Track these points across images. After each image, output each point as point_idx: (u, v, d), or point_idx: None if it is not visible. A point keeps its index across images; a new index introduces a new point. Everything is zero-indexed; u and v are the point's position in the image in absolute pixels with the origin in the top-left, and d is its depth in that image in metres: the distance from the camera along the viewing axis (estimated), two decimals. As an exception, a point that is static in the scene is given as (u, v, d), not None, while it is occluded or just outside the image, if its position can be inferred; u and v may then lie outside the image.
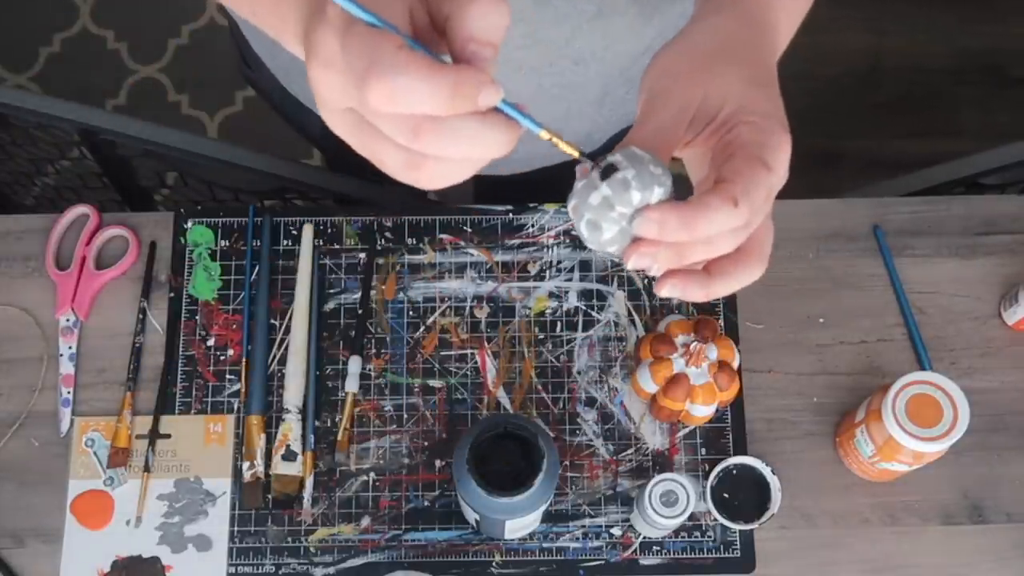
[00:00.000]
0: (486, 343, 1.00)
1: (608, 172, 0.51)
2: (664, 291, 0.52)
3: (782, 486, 0.92)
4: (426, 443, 0.97)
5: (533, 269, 1.02)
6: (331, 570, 0.94)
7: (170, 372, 0.99)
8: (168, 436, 0.97)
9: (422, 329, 1.00)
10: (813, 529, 0.95)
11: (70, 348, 0.99)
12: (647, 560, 0.94)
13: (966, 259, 1.02)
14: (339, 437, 0.96)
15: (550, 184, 1.13)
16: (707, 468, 0.96)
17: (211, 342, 1.00)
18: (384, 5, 0.45)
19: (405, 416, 0.98)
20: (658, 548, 0.94)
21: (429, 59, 0.44)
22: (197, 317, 1.00)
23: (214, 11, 2.08)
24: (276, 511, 0.95)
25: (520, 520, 0.83)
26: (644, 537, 0.95)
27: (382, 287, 1.02)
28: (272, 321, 1.00)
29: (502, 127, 0.46)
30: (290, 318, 1.00)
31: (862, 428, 0.90)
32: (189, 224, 1.03)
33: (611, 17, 0.79)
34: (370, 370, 0.99)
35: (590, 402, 0.98)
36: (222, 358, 0.99)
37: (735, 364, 0.92)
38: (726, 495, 0.93)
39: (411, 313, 1.01)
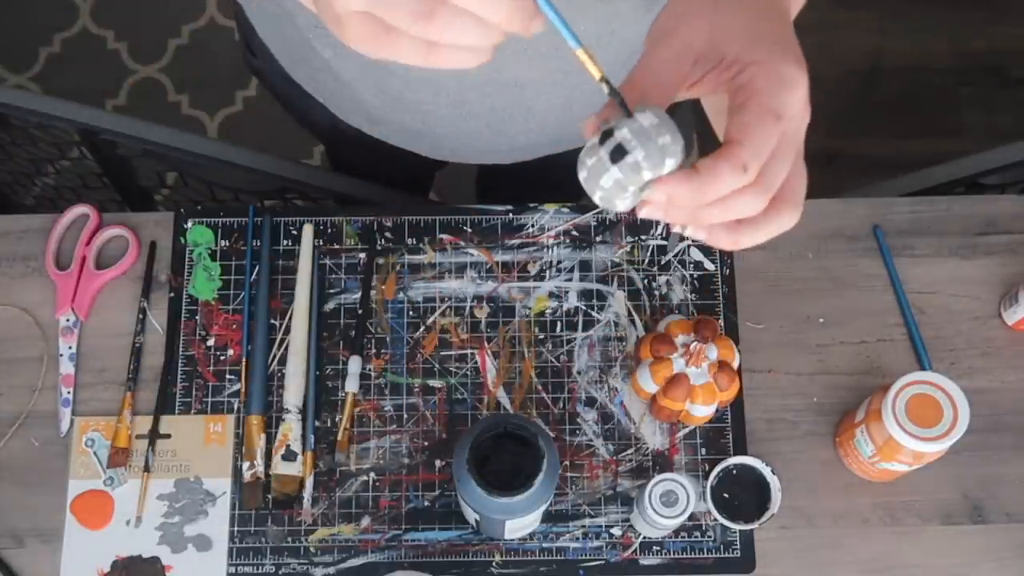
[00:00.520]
0: (486, 343, 1.00)
1: (618, 155, 0.50)
2: (688, 231, 0.52)
3: (782, 486, 0.92)
4: (426, 443, 0.97)
5: (533, 269, 1.02)
6: (331, 570, 0.94)
7: (170, 372, 0.99)
8: (168, 436, 0.97)
9: (422, 329, 1.00)
10: (813, 529, 0.95)
11: (70, 348, 0.99)
12: (647, 560, 0.94)
13: (966, 259, 1.02)
14: (339, 437, 0.96)
15: (550, 181, 1.13)
16: (707, 468, 0.96)
17: (211, 342, 1.00)
18: None
19: (405, 416, 0.98)
20: (658, 548, 0.94)
21: None
22: (197, 317, 1.00)
23: (214, 11, 2.08)
24: (276, 511, 0.95)
25: (520, 520, 0.83)
26: (644, 537, 0.95)
27: (382, 287, 1.02)
28: (272, 321, 1.00)
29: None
30: (290, 318, 1.00)
31: (862, 428, 0.90)
32: (189, 224, 1.03)
33: (616, 2, 0.78)
34: (370, 370, 0.99)
35: (590, 402, 0.98)
36: (222, 358, 0.99)
37: (735, 364, 0.92)
38: (726, 495, 0.93)
39: (411, 313, 1.01)
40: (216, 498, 0.95)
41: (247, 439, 0.96)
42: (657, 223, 1.03)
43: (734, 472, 0.93)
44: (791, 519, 0.95)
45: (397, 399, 0.98)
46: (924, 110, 2.02)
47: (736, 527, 0.92)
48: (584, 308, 1.01)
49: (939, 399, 0.85)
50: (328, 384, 0.99)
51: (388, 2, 0.46)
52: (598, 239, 1.03)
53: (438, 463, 0.97)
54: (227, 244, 1.03)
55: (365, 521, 0.95)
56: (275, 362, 0.99)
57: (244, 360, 0.99)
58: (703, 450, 0.97)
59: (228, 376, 0.99)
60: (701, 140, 1.54)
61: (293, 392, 0.97)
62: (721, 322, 1.00)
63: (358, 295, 1.01)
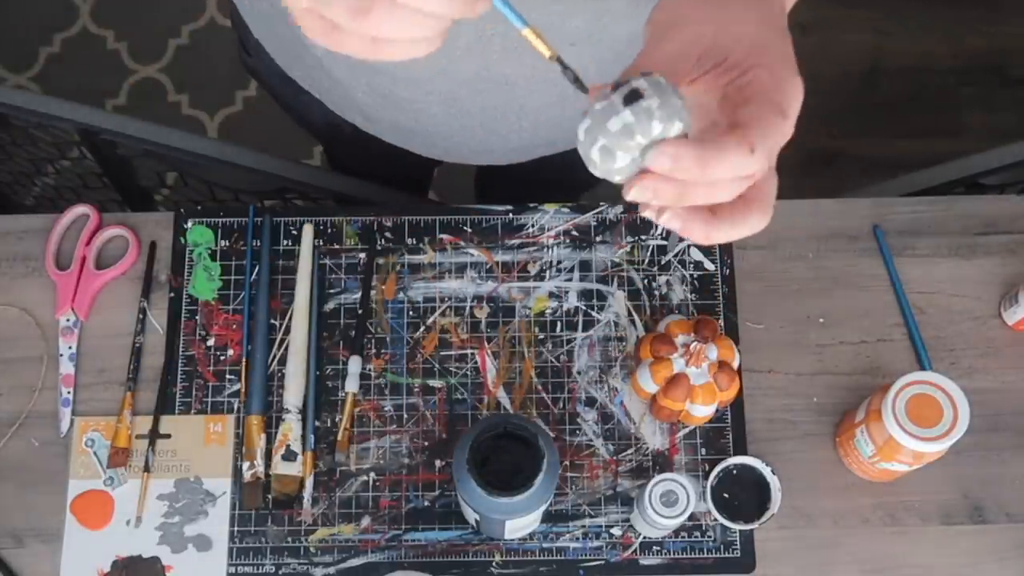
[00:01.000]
0: (486, 343, 1.00)
1: (632, 98, 0.49)
2: (663, 219, 0.51)
3: (782, 486, 0.92)
4: (426, 443, 0.97)
5: (533, 269, 1.02)
6: (331, 570, 0.94)
7: (170, 372, 0.99)
8: (168, 436, 0.97)
9: (422, 329, 1.00)
10: (813, 529, 0.95)
11: (70, 348, 0.99)
12: (647, 560, 0.94)
13: (966, 259, 1.02)
14: (339, 437, 0.96)
15: (549, 181, 1.13)
16: (707, 468, 0.96)
17: (211, 342, 1.00)
18: None
19: (405, 416, 0.98)
20: (658, 548, 0.94)
21: None
22: (197, 317, 1.00)
23: (214, 11, 2.08)
24: (276, 511, 0.95)
25: (520, 520, 0.83)
26: (644, 537, 0.95)
27: (382, 287, 1.02)
28: (272, 321, 1.00)
29: None
30: (290, 318, 1.00)
31: (862, 428, 0.89)
32: (189, 224, 1.03)
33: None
34: (370, 370, 0.99)
35: (590, 402, 0.98)
36: (222, 358, 0.99)
37: (735, 364, 0.92)
38: (726, 495, 0.93)
39: (411, 313, 1.01)
40: (216, 498, 0.95)
41: (247, 439, 0.96)
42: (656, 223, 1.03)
43: (734, 472, 0.93)
44: (791, 519, 0.95)
45: (397, 399, 0.98)
46: (924, 110, 2.02)
47: (736, 527, 0.92)
48: (584, 308, 1.01)
49: (939, 399, 0.85)
50: (328, 384, 0.99)
51: (326, 0, 0.47)
52: (598, 239, 1.03)
53: (438, 463, 0.97)
54: (227, 244, 1.03)
55: (365, 521, 0.95)
56: (275, 362, 0.99)
57: (244, 360, 0.99)
58: (703, 450, 0.97)
59: (228, 376, 0.99)
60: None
61: (293, 392, 0.97)
62: (721, 322, 1.00)
63: (358, 295, 1.01)
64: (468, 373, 0.99)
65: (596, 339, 1.00)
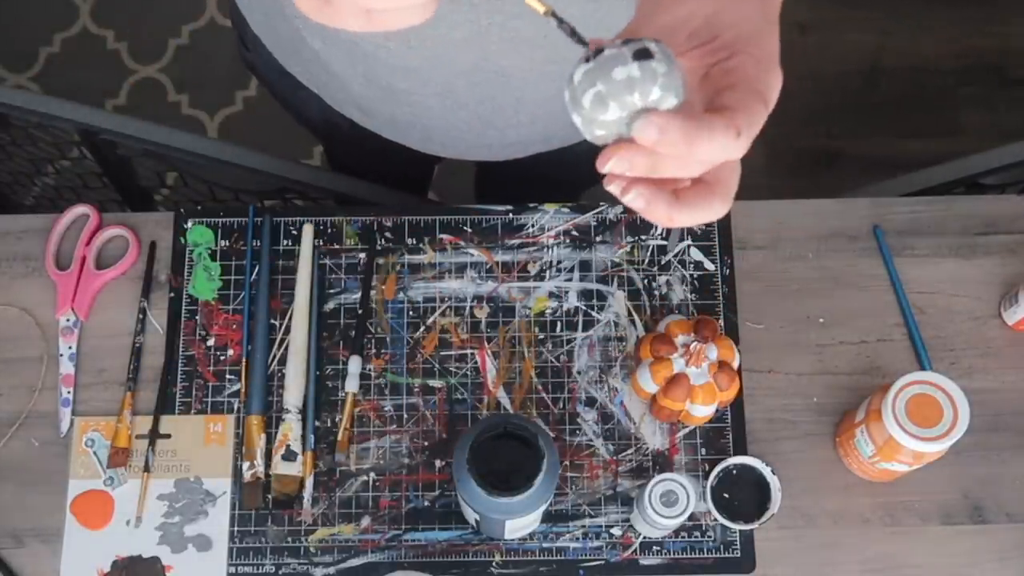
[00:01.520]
0: (486, 343, 1.00)
1: (642, 56, 0.48)
2: (628, 197, 0.50)
3: (782, 486, 0.92)
4: (426, 443, 0.97)
5: (533, 269, 1.02)
6: (331, 570, 0.94)
7: (170, 372, 0.99)
8: (168, 436, 0.97)
9: (422, 329, 1.00)
10: (813, 529, 0.95)
11: (70, 348, 0.99)
12: (647, 560, 0.94)
13: (966, 259, 1.02)
14: (339, 437, 0.96)
15: (548, 179, 1.13)
16: (707, 468, 0.96)
17: (211, 342, 1.00)
18: None
19: (405, 416, 0.98)
20: (658, 548, 0.94)
21: None
22: (197, 317, 1.00)
23: (214, 11, 2.08)
24: (276, 511, 0.95)
25: (520, 520, 0.83)
26: (644, 537, 0.95)
27: (382, 287, 1.02)
28: (272, 321, 1.00)
29: None
30: (290, 318, 1.00)
31: (862, 428, 0.90)
32: (189, 224, 1.03)
33: None
34: (370, 370, 0.99)
35: (590, 402, 0.98)
36: (222, 358, 0.99)
37: (735, 364, 0.92)
38: (726, 495, 0.93)
39: (411, 313, 1.01)
40: (216, 498, 0.95)
41: (247, 439, 0.96)
42: (656, 223, 1.03)
43: (734, 472, 0.93)
44: (791, 519, 0.95)
45: (397, 399, 0.98)
46: (924, 110, 2.02)
47: (736, 527, 0.92)
48: (584, 308, 1.01)
49: (939, 399, 0.85)
50: (328, 384, 0.99)
51: None
52: (598, 239, 1.03)
53: (438, 463, 0.97)
54: (227, 244, 1.03)
55: (365, 521, 0.95)
56: (275, 362, 0.99)
57: (244, 360, 0.99)
58: (703, 450, 0.97)
59: (228, 376, 0.99)
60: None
61: (293, 392, 0.97)
62: (721, 322, 1.00)
63: (358, 295, 1.01)
64: (468, 373, 0.99)
65: (596, 339, 1.00)
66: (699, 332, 0.91)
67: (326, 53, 0.89)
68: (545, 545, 0.95)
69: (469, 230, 1.03)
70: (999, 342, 1.00)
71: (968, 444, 0.90)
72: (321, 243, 1.03)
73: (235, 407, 0.98)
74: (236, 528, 0.95)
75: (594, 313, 1.01)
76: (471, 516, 0.87)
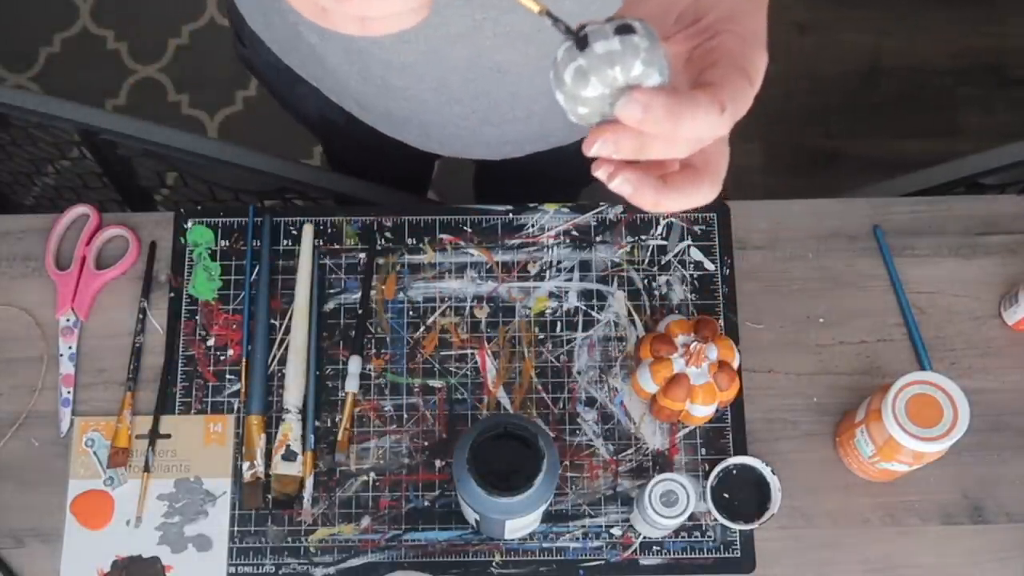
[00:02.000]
0: (486, 343, 1.00)
1: (624, 31, 0.47)
2: (615, 183, 0.50)
3: (782, 486, 0.92)
4: (426, 443, 0.97)
5: (533, 269, 1.02)
6: (331, 570, 0.94)
7: (170, 372, 0.99)
8: (168, 436, 0.97)
9: (422, 329, 1.00)
10: (813, 529, 0.95)
11: (70, 348, 0.99)
12: (647, 560, 0.94)
13: (966, 259, 1.03)
14: (339, 437, 0.96)
15: (546, 178, 1.13)
16: (707, 468, 0.96)
17: (211, 342, 1.00)
18: None
19: (405, 416, 0.98)
20: (658, 548, 0.94)
21: None
22: (197, 317, 1.00)
23: (214, 11, 2.08)
24: (276, 511, 0.95)
25: (520, 520, 0.83)
26: (644, 537, 0.95)
27: (382, 287, 1.02)
28: (272, 321, 1.00)
29: None
30: (290, 318, 1.00)
31: (862, 428, 0.90)
32: (189, 224, 1.03)
33: None
34: (370, 370, 0.99)
35: (590, 402, 0.98)
36: (222, 358, 0.99)
37: (735, 364, 0.92)
38: (726, 495, 0.93)
39: (411, 313, 1.01)
40: (216, 498, 0.95)
41: (247, 439, 0.96)
42: (656, 223, 1.03)
43: (734, 472, 0.93)
44: (791, 519, 0.95)
45: (397, 399, 0.98)
46: (923, 110, 2.02)
47: (736, 527, 0.92)
48: (584, 308, 1.01)
49: (939, 399, 0.85)
50: (328, 384, 0.99)
51: None
52: (598, 239, 1.03)
53: (438, 463, 0.97)
54: (227, 244, 1.03)
55: (365, 521, 0.95)
56: (275, 362, 0.99)
57: (244, 360, 0.99)
58: (703, 450, 0.97)
59: (228, 376, 0.99)
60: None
61: (293, 392, 0.97)
62: (721, 322, 1.00)
63: (358, 295, 1.01)
64: (468, 373, 0.99)
65: (596, 339, 1.00)
66: (699, 332, 0.91)
67: (322, 48, 0.89)
68: (545, 545, 0.95)
69: (469, 230, 1.03)
70: (999, 342, 1.00)
71: (968, 444, 0.90)
72: (321, 243, 1.03)
73: (235, 407, 0.98)
74: (236, 528, 0.95)
75: (594, 313, 1.01)
76: (471, 516, 0.87)
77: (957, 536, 0.95)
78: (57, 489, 0.95)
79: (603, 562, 0.94)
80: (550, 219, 1.04)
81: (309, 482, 0.96)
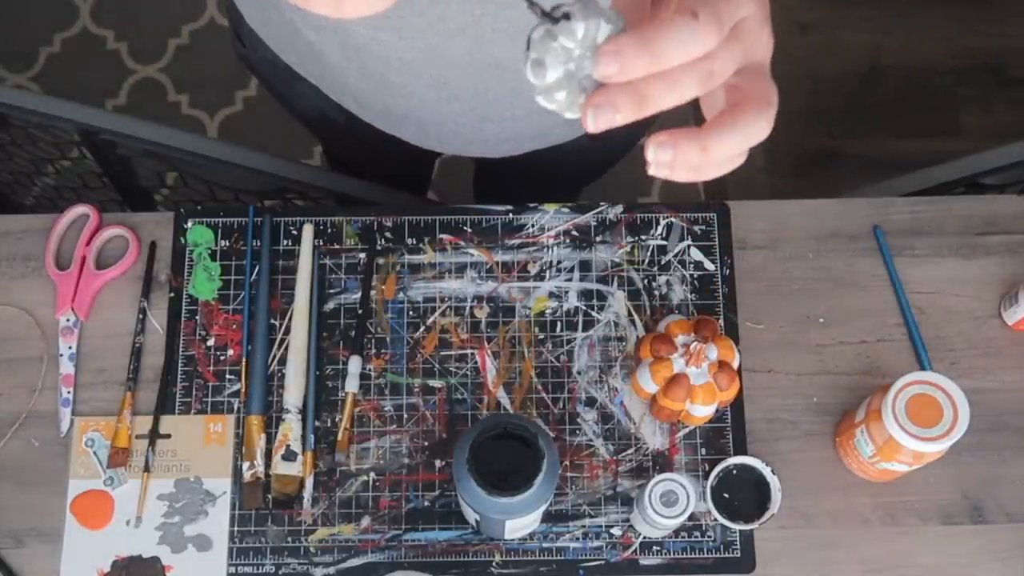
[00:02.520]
0: (486, 343, 1.00)
1: (555, 14, 0.46)
2: (654, 155, 0.46)
3: (782, 486, 0.92)
4: (426, 443, 0.97)
5: (533, 269, 1.02)
6: (331, 570, 0.94)
7: (170, 372, 0.99)
8: (168, 436, 0.97)
9: (422, 329, 1.00)
10: (813, 529, 0.95)
11: (70, 348, 0.99)
12: (647, 560, 0.94)
13: (966, 259, 1.03)
14: (339, 437, 0.96)
15: (546, 177, 1.13)
16: (707, 468, 0.96)
17: (211, 342, 1.00)
18: None
19: (405, 416, 0.98)
20: (658, 548, 0.94)
21: None
22: (197, 317, 1.00)
23: (214, 11, 2.08)
24: (276, 511, 0.95)
25: (520, 520, 0.83)
26: (644, 537, 0.95)
27: (382, 287, 1.02)
28: (272, 321, 1.00)
29: None
30: (290, 318, 1.00)
31: (862, 428, 0.90)
32: (189, 224, 1.03)
33: None
34: (370, 370, 0.99)
35: (590, 402, 0.98)
36: (222, 358, 0.99)
37: (735, 364, 0.92)
38: (726, 495, 0.93)
39: (411, 313, 1.01)
40: (216, 498, 0.95)
41: (247, 439, 0.96)
42: (656, 223, 1.03)
43: (734, 472, 0.93)
44: (791, 519, 0.95)
45: (397, 399, 0.98)
46: (923, 110, 2.02)
47: (736, 527, 0.92)
48: (584, 308, 1.01)
49: (939, 399, 0.85)
50: (328, 384, 0.99)
51: None
52: (598, 239, 1.03)
53: (438, 463, 0.97)
54: (227, 244, 1.03)
55: (365, 521, 0.95)
56: (275, 362, 0.99)
57: (244, 360, 0.99)
58: (703, 450, 0.97)
59: (228, 376, 0.99)
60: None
61: (293, 392, 0.97)
62: (721, 322, 1.00)
63: (358, 295, 1.01)
64: (468, 373, 0.99)
65: (596, 339, 1.00)
66: (699, 332, 0.91)
67: (320, 45, 0.89)
68: (545, 545, 0.95)
69: (469, 230, 1.03)
70: (999, 342, 1.00)
71: (968, 444, 0.90)
72: (321, 243, 1.03)
73: (235, 407, 0.98)
74: (236, 528, 0.95)
75: (594, 313, 1.01)
76: (471, 516, 0.87)
77: (957, 536, 0.95)
78: (57, 489, 0.95)
79: (603, 562, 0.94)
80: (550, 219, 1.04)
81: (309, 482, 0.96)
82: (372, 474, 0.96)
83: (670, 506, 0.86)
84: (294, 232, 1.03)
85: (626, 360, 0.99)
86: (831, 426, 0.98)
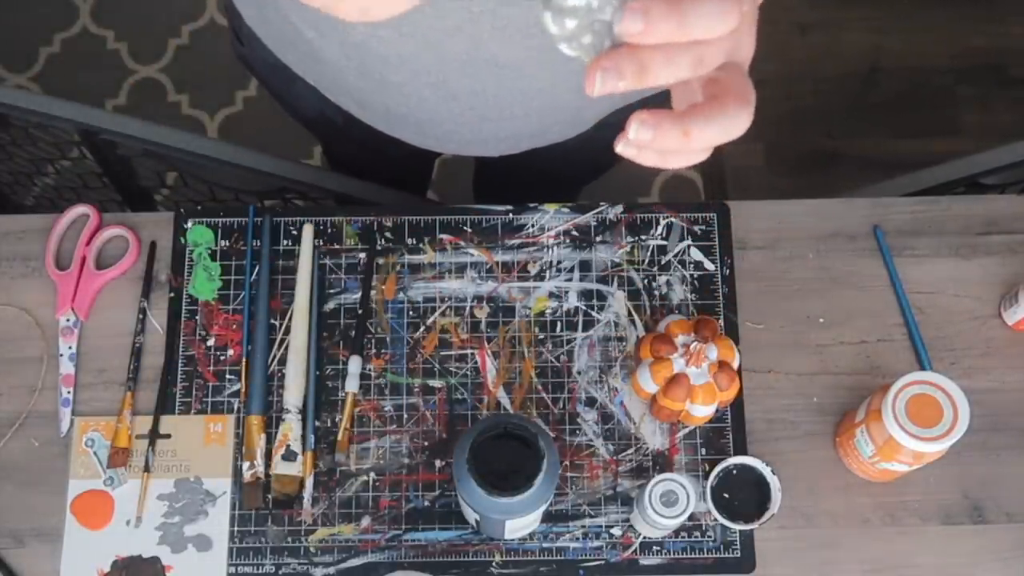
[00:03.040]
0: (486, 343, 1.00)
1: None
2: (635, 133, 0.46)
3: (782, 486, 0.92)
4: (426, 443, 0.97)
5: (533, 269, 1.02)
6: (331, 570, 0.94)
7: (170, 372, 0.99)
8: (168, 436, 0.97)
9: (422, 329, 1.00)
10: (813, 529, 0.95)
11: (70, 348, 0.99)
12: (647, 560, 0.94)
13: (966, 259, 1.02)
14: (339, 437, 0.96)
15: (546, 176, 1.13)
16: (707, 468, 0.96)
17: (211, 342, 1.00)
18: None
19: (405, 416, 0.98)
20: (658, 548, 0.94)
21: None
22: (197, 317, 1.00)
23: (214, 11, 2.08)
24: (276, 511, 0.95)
25: (520, 520, 0.83)
26: (644, 537, 0.95)
27: (382, 287, 1.02)
28: (272, 321, 1.00)
29: None
30: (290, 318, 1.00)
31: (862, 428, 0.90)
32: (189, 224, 1.03)
33: None
34: (370, 370, 0.99)
35: (590, 402, 0.98)
36: (222, 358, 0.99)
37: (735, 364, 0.92)
38: (726, 495, 0.93)
39: (411, 313, 1.01)
40: (216, 498, 0.95)
41: (247, 439, 0.96)
42: (656, 223, 1.03)
43: (734, 472, 0.93)
44: (791, 519, 0.95)
45: (397, 399, 0.98)
46: (923, 110, 2.02)
47: (736, 527, 0.92)
48: (584, 308, 1.01)
49: (939, 399, 0.85)
50: (328, 384, 0.99)
51: None
52: (598, 239, 1.03)
53: (438, 463, 0.97)
54: (227, 244, 1.03)
55: (365, 521, 0.95)
56: (275, 362, 0.99)
57: (244, 360, 0.99)
58: (703, 450, 0.97)
59: (228, 376, 0.99)
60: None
61: (293, 392, 0.97)
62: (721, 322, 1.00)
63: (358, 295, 1.01)
64: (468, 373, 0.99)
65: (596, 339, 1.00)
66: (699, 332, 0.91)
67: (319, 43, 0.89)
68: (545, 545, 0.95)
69: (469, 230, 1.03)
70: (999, 342, 1.00)
71: (968, 444, 0.90)
72: (321, 243, 1.03)
73: (235, 407, 0.98)
74: (236, 528, 0.95)
75: (594, 313, 1.01)
76: (471, 516, 0.87)
77: (957, 536, 0.95)
78: (57, 489, 0.95)
79: (603, 562, 0.94)
80: (550, 219, 1.04)
81: (309, 482, 0.95)
82: (372, 474, 0.96)
83: (670, 506, 0.86)
84: (294, 232, 1.03)
85: (626, 360, 0.99)
86: (831, 426, 0.98)
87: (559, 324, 1.00)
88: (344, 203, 1.14)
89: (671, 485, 0.87)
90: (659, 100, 0.54)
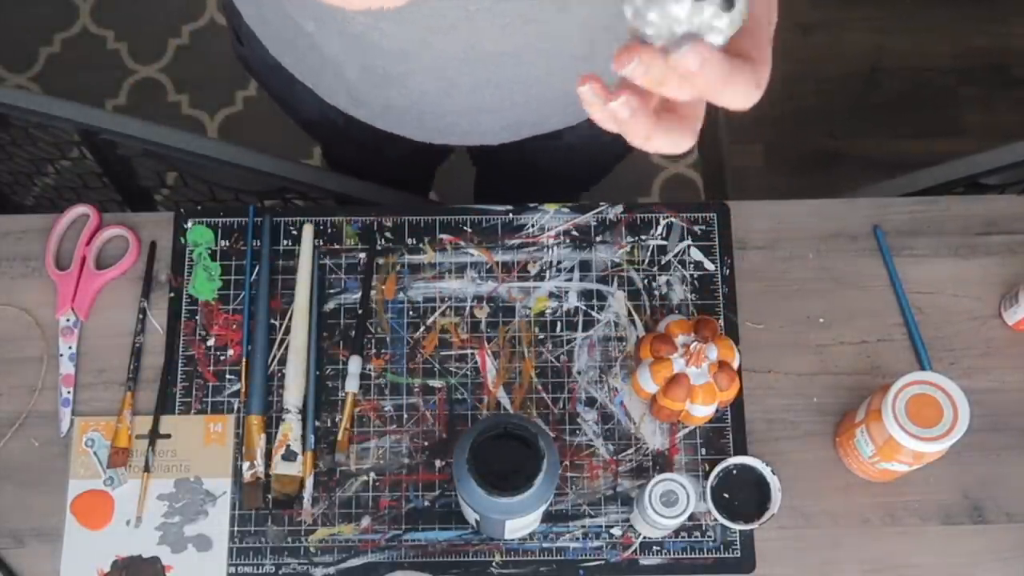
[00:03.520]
0: (486, 343, 1.00)
1: None
2: (616, 102, 0.49)
3: (782, 486, 0.92)
4: (426, 443, 0.97)
5: (533, 269, 1.02)
6: (331, 570, 0.94)
7: (170, 372, 0.99)
8: (168, 436, 0.97)
9: (422, 329, 1.00)
10: (813, 529, 0.95)
11: (70, 348, 0.99)
12: (647, 560, 0.94)
13: (966, 259, 1.02)
14: (339, 437, 0.96)
15: (547, 176, 1.13)
16: (707, 468, 0.96)
17: (211, 342, 1.00)
18: None
19: (405, 416, 0.98)
20: (658, 548, 0.94)
21: None
22: (197, 317, 1.00)
23: (214, 11, 2.08)
24: (276, 511, 0.95)
25: (520, 520, 0.83)
26: (644, 537, 0.95)
27: (382, 287, 1.02)
28: (272, 321, 1.00)
29: None
30: (290, 318, 1.00)
31: (862, 428, 0.89)
32: (189, 224, 1.03)
33: None
34: (370, 370, 0.99)
35: (590, 402, 0.98)
36: (222, 358, 0.99)
37: (735, 364, 0.92)
38: (726, 495, 0.93)
39: (411, 313, 1.01)
40: (216, 498, 0.95)
41: (247, 439, 0.96)
42: (656, 223, 1.03)
43: (734, 472, 0.93)
44: (791, 519, 0.95)
45: (397, 399, 0.98)
46: (925, 110, 2.02)
47: (736, 527, 0.92)
48: (584, 308, 1.01)
49: (939, 399, 0.85)
50: (328, 384, 0.99)
51: None
52: (598, 239, 1.03)
53: (438, 463, 0.97)
54: (227, 244, 1.03)
55: (365, 521, 0.95)
56: (275, 362, 0.99)
57: (244, 360, 0.99)
58: (703, 450, 0.97)
59: (228, 376, 0.99)
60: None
61: (293, 392, 0.97)
62: (721, 322, 1.00)
63: (358, 295, 1.01)
64: (468, 373, 0.99)
65: (596, 339, 1.00)
66: (699, 332, 0.91)
67: (320, 36, 0.89)
68: (545, 545, 0.95)
69: (469, 230, 1.03)
70: (999, 342, 1.00)
71: (968, 444, 0.90)
72: (321, 243, 1.03)
73: (235, 407, 0.98)
74: (236, 528, 0.95)
75: (594, 313, 1.01)
76: (471, 516, 0.87)
77: (957, 536, 0.95)
78: (57, 489, 0.96)
79: (603, 562, 0.94)
80: (550, 219, 1.04)
81: (309, 482, 0.96)
82: (372, 474, 0.96)
83: (670, 506, 0.86)
84: (294, 232, 1.03)
85: (626, 360, 0.99)
86: (831, 426, 0.98)
87: (559, 324, 1.00)
88: (344, 203, 1.14)
89: (671, 485, 0.87)
90: None
